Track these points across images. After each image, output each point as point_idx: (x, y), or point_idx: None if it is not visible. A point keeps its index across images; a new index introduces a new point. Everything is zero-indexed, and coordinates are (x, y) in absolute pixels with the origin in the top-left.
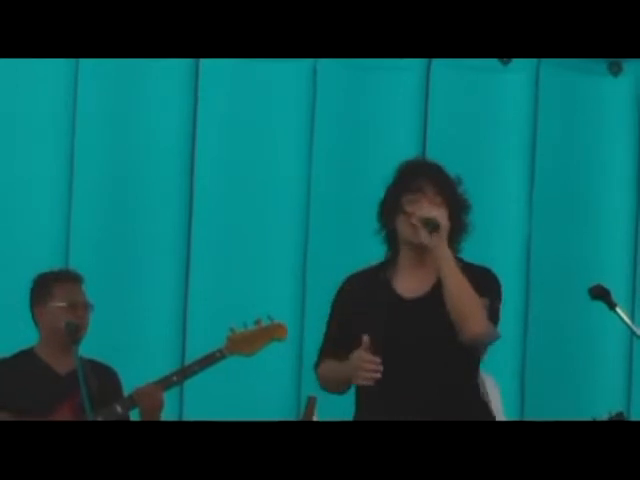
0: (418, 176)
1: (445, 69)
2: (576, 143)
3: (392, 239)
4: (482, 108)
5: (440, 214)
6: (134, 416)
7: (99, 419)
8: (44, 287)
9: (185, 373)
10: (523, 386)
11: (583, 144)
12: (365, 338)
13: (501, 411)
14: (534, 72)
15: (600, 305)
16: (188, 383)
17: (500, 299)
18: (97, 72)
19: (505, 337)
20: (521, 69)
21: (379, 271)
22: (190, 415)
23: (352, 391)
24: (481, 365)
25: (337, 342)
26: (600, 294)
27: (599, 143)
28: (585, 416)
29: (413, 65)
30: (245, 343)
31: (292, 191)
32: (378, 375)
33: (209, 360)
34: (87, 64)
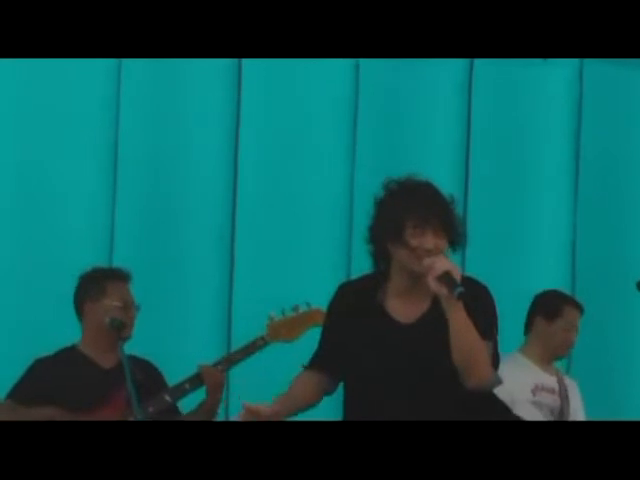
0: (419, 205)
1: (488, 65)
2: (620, 137)
3: (384, 260)
4: (525, 103)
5: (453, 265)
6: (184, 408)
7: (150, 410)
8: (96, 284)
9: (230, 361)
10: None
11: (627, 138)
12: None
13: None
14: (578, 67)
15: None
16: (233, 382)
17: (496, 318)
18: (140, 72)
19: None
20: (564, 64)
21: (371, 289)
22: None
23: None
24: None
25: (327, 355)
26: None
27: None
28: (635, 415)
29: (455, 61)
30: (285, 329)
31: (335, 187)
32: None
33: (252, 348)
34: (130, 64)
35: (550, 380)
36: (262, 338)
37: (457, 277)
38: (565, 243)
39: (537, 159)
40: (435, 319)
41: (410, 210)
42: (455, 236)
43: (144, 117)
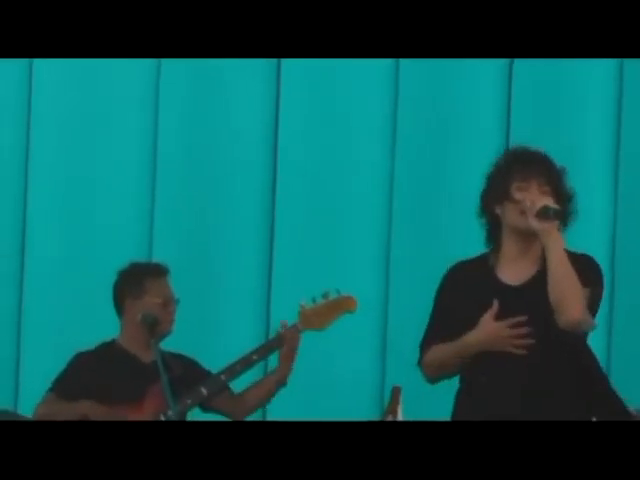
0: (526, 164)
1: (527, 65)
2: None
3: (495, 227)
4: (565, 103)
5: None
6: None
7: (188, 402)
8: (136, 281)
9: (264, 351)
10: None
11: None
12: (495, 302)
13: None
14: (618, 67)
15: None
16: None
17: (602, 287)
18: (179, 72)
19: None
20: (604, 64)
21: (483, 261)
22: (274, 414)
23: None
24: None
25: (441, 333)
26: None
27: None
28: None
29: (495, 61)
30: (316, 317)
31: (374, 187)
32: (524, 341)
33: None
34: (169, 64)
35: None
36: (295, 327)
37: (554, 207)
38: (605, 239)
39: (577, 159)
40: (544, 281)
41: (515, 169)
42: (562, 199)
43: (183, 117)
